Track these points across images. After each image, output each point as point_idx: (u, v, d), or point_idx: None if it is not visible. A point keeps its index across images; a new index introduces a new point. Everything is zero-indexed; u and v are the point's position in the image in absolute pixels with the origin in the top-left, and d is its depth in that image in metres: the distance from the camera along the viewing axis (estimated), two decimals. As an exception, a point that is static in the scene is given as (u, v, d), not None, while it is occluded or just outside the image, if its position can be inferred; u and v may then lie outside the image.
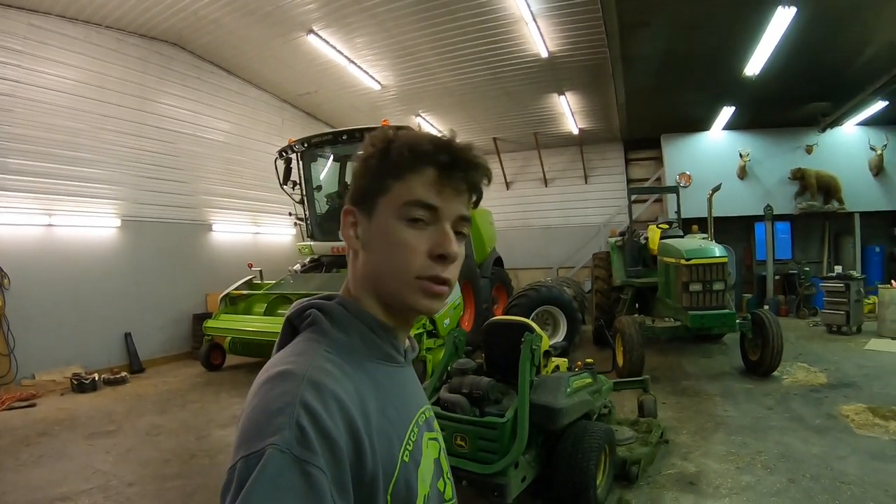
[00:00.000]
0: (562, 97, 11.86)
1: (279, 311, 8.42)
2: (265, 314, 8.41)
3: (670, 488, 4.13)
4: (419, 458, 0.89)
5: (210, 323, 8.50)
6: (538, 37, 8.99)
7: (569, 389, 3.79)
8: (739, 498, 3.94)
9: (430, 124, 13.60)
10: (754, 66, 9.19)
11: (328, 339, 0.86)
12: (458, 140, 0.93)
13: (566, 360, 4.91)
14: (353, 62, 10.43)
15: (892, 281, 10.85)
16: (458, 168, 0.90)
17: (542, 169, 15.96)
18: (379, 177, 0.91)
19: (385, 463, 0.80)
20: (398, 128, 0.97)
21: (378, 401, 0.84)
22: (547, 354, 4.30)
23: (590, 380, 4.28)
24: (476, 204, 0.98)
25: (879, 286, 10.43)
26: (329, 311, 0.90)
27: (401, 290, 0.89)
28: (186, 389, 7.88)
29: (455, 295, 7.48)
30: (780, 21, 7.70)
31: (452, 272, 0.91)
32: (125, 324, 9.18)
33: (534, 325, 4.19)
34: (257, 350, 8.48)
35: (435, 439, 1.00)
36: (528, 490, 3.67)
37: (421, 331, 7.01)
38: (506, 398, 3.84)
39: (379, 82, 11.37)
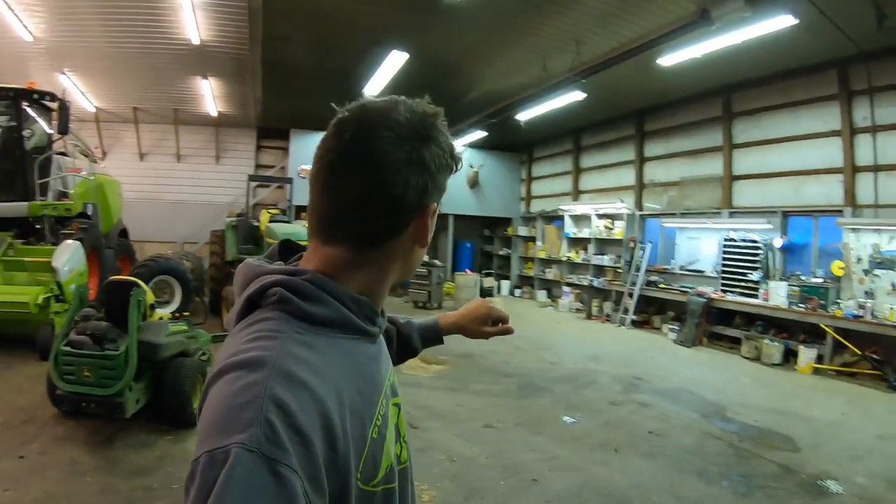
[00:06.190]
0: (205, 81, 12.15)
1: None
2: None
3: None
4: (385, 431, 0.86)
5: None
6: (193, 25, 9.18)
7: (167, 332, 4.86)
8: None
9: (75, 85, 12.38)
10: (372, 88, 11.05)
11: (299, 318, 0.79)
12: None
13: (169, 314, 6.20)
14: (10, 8, 8.85)
15: (467, 270, 14.37)
16: None
17: (178, 145, 15.83)
18: (442, 189, 0.93)
19: (357, 442, 0.77)
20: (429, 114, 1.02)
21: (353, 379, 0.80)
22: (153, 308, 5.32)
23: (186, 327, 5.32)
24: None
25: (457, 274, 13.57)
26: (299, 288, 0.81)
27: (403, 280, 1.08)
28: None
29: (79, 262, 7.35)
30: (395, 61, 9.59)
31: None
32: None
33: (140, 282, 5.08)
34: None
35: (397, 404, 0.96)
36: (143, 413, 4.73)
37: (49, 295, 6.87)
38: (120, 339, 4.63)
39: (31, 33, 9.79)
